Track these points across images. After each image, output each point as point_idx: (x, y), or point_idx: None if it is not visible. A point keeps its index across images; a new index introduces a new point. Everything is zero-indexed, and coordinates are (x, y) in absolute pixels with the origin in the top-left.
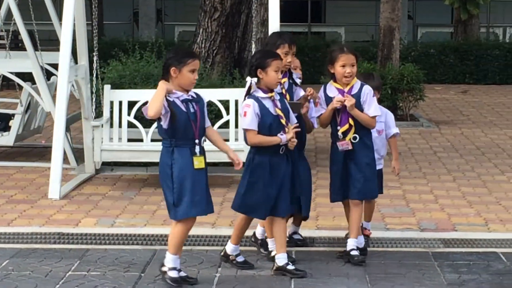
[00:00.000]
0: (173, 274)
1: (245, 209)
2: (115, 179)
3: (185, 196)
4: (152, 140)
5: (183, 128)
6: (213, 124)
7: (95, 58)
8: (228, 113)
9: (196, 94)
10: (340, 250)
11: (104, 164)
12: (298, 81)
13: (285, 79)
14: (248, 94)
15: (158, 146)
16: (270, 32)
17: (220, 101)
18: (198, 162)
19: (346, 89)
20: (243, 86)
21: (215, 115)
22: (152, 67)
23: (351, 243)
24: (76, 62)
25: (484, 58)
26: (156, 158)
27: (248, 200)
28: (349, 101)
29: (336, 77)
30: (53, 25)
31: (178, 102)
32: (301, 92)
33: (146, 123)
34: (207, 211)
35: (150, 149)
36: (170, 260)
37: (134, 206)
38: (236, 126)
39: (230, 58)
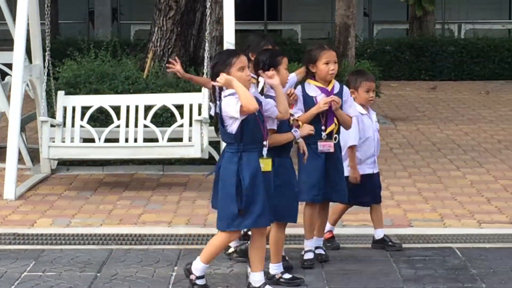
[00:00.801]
0: (201, 282)
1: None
2: (71, 179)
3: (254, 205)
4: (107, 140)
5: (253, 130)
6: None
7: (47, 58)
8: (182, 117)
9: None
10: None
11: (60, 164)
12: None
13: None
14: (262, 94)
15: (109, 144)
16: (225, 30)
17: (174, 105)
18: (265, 165)
19: (329, 88)
20: (199, 85)
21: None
22: (108, 66)
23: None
24: (30, 61)
25: (440, 55)
26: (106, 155)
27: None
28: (338, 102)
29: (319, 76)
30: (7, 25)
31: None
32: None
33: (102, 124)
34: (272, 220)
35: (99, 145)
36: (200, 269)
37: (90, 206)
38: (191, 125)
39: (185, 56)
